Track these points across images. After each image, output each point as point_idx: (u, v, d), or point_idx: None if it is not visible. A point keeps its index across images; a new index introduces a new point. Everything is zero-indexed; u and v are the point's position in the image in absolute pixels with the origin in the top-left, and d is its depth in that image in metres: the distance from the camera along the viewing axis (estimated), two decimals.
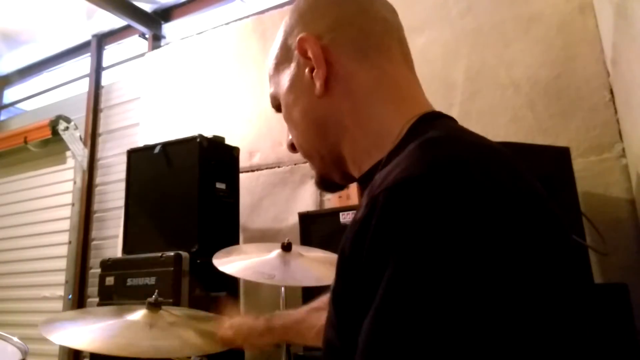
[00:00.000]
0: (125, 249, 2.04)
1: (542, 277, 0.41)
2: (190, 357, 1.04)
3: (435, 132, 0.53)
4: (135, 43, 3.30)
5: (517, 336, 0.39)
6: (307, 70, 0.62)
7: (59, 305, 3.06)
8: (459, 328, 0.38)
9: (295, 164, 2.28)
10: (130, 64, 3.33)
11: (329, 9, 0.64)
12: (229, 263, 1.33)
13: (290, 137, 0.71)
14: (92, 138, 3.27)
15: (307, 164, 0.77)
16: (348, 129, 0.62)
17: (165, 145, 2.05)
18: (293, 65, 0.65)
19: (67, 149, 3.27)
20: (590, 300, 0.47)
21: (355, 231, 0.45)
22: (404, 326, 0.39)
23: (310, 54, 0.61)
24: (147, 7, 3.09)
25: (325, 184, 0.71)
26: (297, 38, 0.62)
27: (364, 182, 0.60)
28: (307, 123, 0.65)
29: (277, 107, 0.70)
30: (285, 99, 0.67)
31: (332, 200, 2.17)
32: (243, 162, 2.24)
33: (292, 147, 0.71)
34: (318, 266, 1.36)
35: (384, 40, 0.63)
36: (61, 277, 3.09)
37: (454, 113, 2.34)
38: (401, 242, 0.41)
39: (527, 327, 0.39)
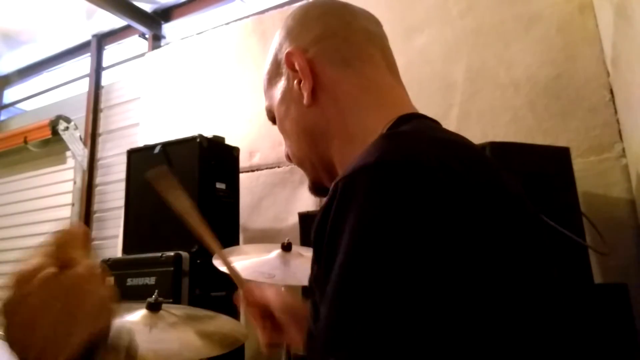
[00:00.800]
0: (125, 249, 2.04)
1: (484, 256, 0.43)
2: None
3: (404, 128, 0.57)
4: (135, 43, 3.31)
5: (469, 316, 0.40)
6: (295, 82, 0.67)
7: None
8: (406, 304, 0.39)
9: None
10: (130, 64, 3.33)
11: (314, 24, 0.68)
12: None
13: (286, 147, 0.74)
14: (92, 138, 3.27)
15: None
16: (335, 136, 0.65)
17: (165, 145, 2.05)
18: (283, 79, 0.69)
19: (67, 149, 3.27)
20: (549, 283, 0.48)
21: (319, 220, 0.47)
22: (355, 309, 0.40)
23: (297, 67, 0.65)
24: (147, 7, 3.09)
25: (318, 189, 0.74)
26: (285, 52, 0.67)
27: None
28: (297, 132, 0.69)
29: (273, 119, 0.74)
30: (278, 110, 0.71)
31: None
32: (243, 162, 2.24)
33: (289, 157, 0.75)
34: None
35: (367, 49, 0.67)
36: None
37: (453, 113, 2.33)
38: (353, 224, 0.43)
39: (476, 311, 0.40)
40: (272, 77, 0.72)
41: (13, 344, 0.39)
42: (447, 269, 0.40)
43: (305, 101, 0.65)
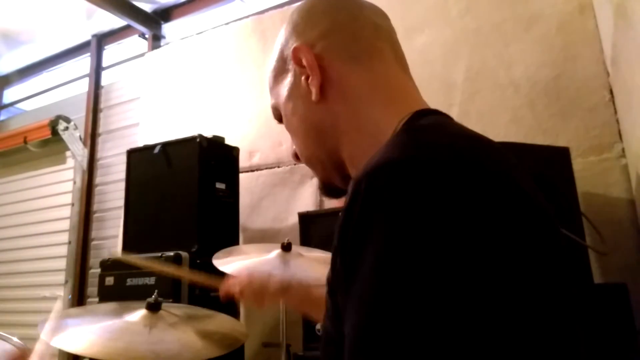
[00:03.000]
0: (125, 249, 2.04)
1: (519, 264, 0.41)
2: None
3: (424, 122, 0.55)
4: (135, 43, 3.30)
5: (497, 324, 0.38)
6: (303, 78, 0.65)
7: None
8: (437, 310, 0.38)
9: (295, 164, 2.28)
10: (130, 64, 3.33)
11: (320, 19, 0.66)
12: (229, 263, 1.33)
13: (294, 146, 0.72)
14: (92, 138, 3.27)
15: None
16: (345, 132, 0.63)
17: (165, 145, 2.05)
18: (290, 75, 0.67)
19: (67, 149, 3.27)
20: (576, 291, 0.47)
21: (342, 220, 0.45)
22: (386, 312, 0.39)
23: (304, 63, 0.64)
24: (147, 7, 3.09)
25: (328, 189, 0.72)
26: (292, 48, 0.65)
27: None
28: (305, 129, 0.67)
29: (279, 117, 0.72)
30: (285, 108, 0.69)
31: (331, 200, 2.17)
32: (243, 162, 2.24)
33: (296, 157, 0.73)
34: (318, 266, 1.36)
35: (376, 43, 0.65)
36: (61, 277, 3.09)
37: (453, 113, 2.35)
38: (381, 225, 0.41)
39: (506, 316, 0.39)
40: (278, 74, 0.70)
41: None
42: (483, 278, 0.39)
43: (313, 97, 0.63)
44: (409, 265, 0.39)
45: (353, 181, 0.46)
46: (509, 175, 0.46)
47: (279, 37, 0.70)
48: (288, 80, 0.68)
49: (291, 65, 0.66)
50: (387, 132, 0.57)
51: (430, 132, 0.51)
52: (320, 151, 0.67)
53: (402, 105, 0.61)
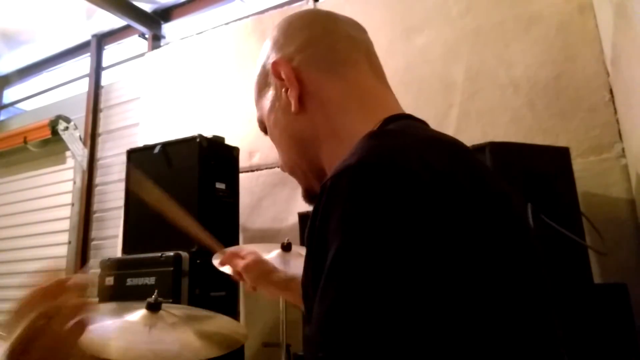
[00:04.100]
0: (125, 249, 2.04)
1: (461, 256, 0.44)
2: None
3: (389, 128, 0.59)
4: (135, 43, 3.30)
5: (450, 306, 0.42)
6: (283, 91, 0.68)
7: None
8: (390, 298, 0.41)
9: None
10: (130, 64, 3.33)
11: (297, 34, 0.70)
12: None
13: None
14: (92, 138, 3.27)
15: None
16: (323, 141, 0.67)
17: (165, 145, 2.05)
18: (271, 89, 0.71)
19: (67, 149, 3.27)
20: (530, 280, 0.50)
21: (309, 223, 0.49)
22: (341, 308, 0.42)
23: (283, 76, 0.67)
24: (147, 7, 3.09)
25: (311, 197, 0.75)
26: (271, 63, 0.69)
27: None
28: (287, 140, 0.71)
29: (264, 129, 0.76)
30: (268, 120, 0.73)
31: None
32: (243, 162, 2.23)
33: (282, 167, 0.77)
34: None
35: (351, 55, 0.69)
36: None
37: (453, 113, 2.32)
38: (336, 226, 0.45)
39: (458, 304, 0.42)
40: (261, 87, 0.73)
41: None
42: (423, 268, 0.42)
43: (292, 109, 0.67)
44: (362, 257, 0.43)
45: (321, 185, 0.49)
46: (459, 171, 0.50)
47: (261, 52, 0.74)
48: (270, 93, 0.71)
49: (272, 79, 0.70)
50: None
51: (389, 136, 0.55)
52: (302, 160, 0.71)
53: (376, 112, 0.63)
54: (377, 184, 0.45)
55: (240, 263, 1.03)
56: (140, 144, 2.52)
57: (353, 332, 0.41)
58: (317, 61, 0.68)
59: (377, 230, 0.43)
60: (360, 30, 0.73)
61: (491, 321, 0.44)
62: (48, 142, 3.37)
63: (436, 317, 0.41)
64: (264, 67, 0.73)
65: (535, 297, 0.49)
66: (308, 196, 0.75)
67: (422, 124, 0.64)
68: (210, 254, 1.16)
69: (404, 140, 0.53)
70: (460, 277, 0.43)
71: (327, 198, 0.47)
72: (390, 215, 0.43)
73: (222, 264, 1.09)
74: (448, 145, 0.55)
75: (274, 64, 0.68)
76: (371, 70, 0.69)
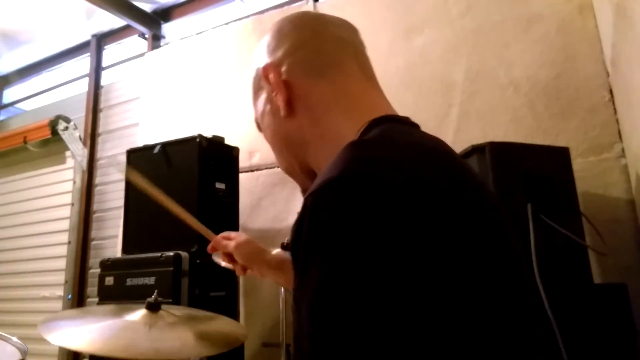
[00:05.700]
0: (125, 249, 2.04)
1: (451, 266, 0.45)
2: (189, 359, 1.04)
3: (372, 134, 0.59)
4: (135, 43, 3.30)
5: (434, 317, 0.43)
6: (273, 95, 0.70)
7: (58, 305, 3.06)
8: (378, 311, 0.42)
9: None
10: (130, 64, 3.33)
11: (286, 38, 0.71)
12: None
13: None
14: (92, 138, 3.27)
15: None
16: (310, 142, 0.68)
17: (165, 145, 2.04)
18: (264, 92, 0.73)
19: (67, 148, 3.27)
20: (512, 283, 0.52)
21: (293, 236, 0.50)
22: (328, 323, 0.43)
23: (271, 81, 0.69)
24: (147, 7, 3.09)
25: None
26: (261, 67, 0.71)
27: None
28: (279, 142, 0.73)
29: (261, 129, 0.78)
30: (261, 122, 0.75)
31: None
32: (243, 162, 2.23)
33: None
34: None
35: (339, 56, 0.69)
36: (61, 277, 3.09)
37: (453, 113, 2.32)
38: (323, 241, 0.46)
39: (443, 308, 0.44)
40: (255, 90, 0.75)
41: None
42: (402, 279, 0.43)
43: (281, 112, 0.68)
44: (344, 275, 0.44)
45: (304, 199, 0.50)
46: (440, 177, 0.51)
47: (255, 54, 0.76)
48: (263, 96, 0.73)
49: (263, 83, 0.72)
50: (348, 140, 0.60)
51: (369, 146, 0.56)
52: (293, 161, 0.72)
53: (364, 113, 0.64)
54: (357, 199, 0.46)
55: (231, 243, 1.06)
56: (140, 144, 2.52)
57: (343, 343, 0.42)
58: (305, 65, 0.69)
59: (360, 247, 0.44)
60: (351, 30, 0.74)
61: (464, 319, 0.45)
62: (48, 142, 3.37)
63: (416, 329, 0.42)
64: (257, 70, 0.74)
65: (512, 295, 0.50)
66: (305, 194, 0.76)
67: (408, 125, 0.65)
68: (209, 254, 1.16)
69: (383, 149, 0.54)
70: (440, 283, 0.44)
71: (310, 213, 0.48)
72: (369, 230, 0.44)
73: (213, 249, 1.11)
74: (428, 150, 0.56)
75: (264, 69, 0.70)
76: (360, 71, 0.70)
